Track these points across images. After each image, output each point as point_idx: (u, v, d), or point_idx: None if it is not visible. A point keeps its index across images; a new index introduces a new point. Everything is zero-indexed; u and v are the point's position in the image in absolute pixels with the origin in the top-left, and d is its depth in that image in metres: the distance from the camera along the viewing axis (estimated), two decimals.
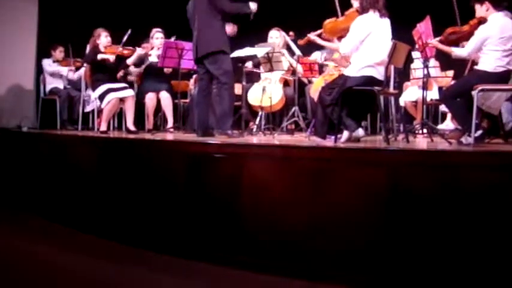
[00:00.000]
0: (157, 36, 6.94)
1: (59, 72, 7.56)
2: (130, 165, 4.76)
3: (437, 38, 5.00)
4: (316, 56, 6.91)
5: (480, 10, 4.61)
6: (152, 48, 6.89)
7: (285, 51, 6.76)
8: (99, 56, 6.32)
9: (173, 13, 8.02)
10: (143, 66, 6.88)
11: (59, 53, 7.63)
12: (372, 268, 3.50)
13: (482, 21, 4.55)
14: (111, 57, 6.35)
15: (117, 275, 3.82)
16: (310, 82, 6.91)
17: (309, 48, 6.41)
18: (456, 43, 4.84)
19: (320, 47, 6.45)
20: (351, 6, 5.05)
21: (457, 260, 3.29)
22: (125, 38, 6.41)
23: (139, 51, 6.65)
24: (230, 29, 5.38)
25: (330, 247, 3.63)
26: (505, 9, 4.49)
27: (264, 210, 3.88)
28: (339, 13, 5.21)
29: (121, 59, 6.56)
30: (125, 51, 6.51)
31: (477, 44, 4.46)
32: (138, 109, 6.67)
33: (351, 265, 3.57)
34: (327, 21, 5.20)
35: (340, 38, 5.46)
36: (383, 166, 3.54)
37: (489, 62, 4.41)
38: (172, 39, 6.56)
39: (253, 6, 5.32)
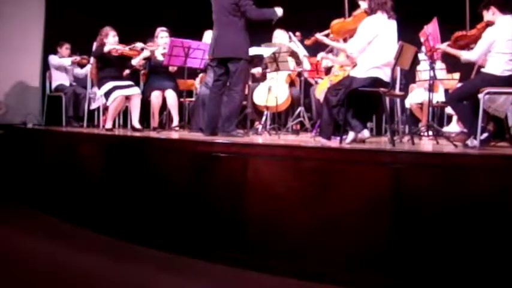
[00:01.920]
0: (162, 36, 6.95)
1: (63, 65, 7.56)
2: (135, 163, 4.77)
3: (446, 43, 4.99)
4: (318, 57, 6.90)
5: (487, 15, 4.62)
6: (158, 47, 6.89)
7: (292, 45, 6.75)
8: (106, 48, 6.31)
9: (179, 12, 8.06)
10: (147, 64, 6.93)
11: (65, 50, 7.63)
12: (377, 269, 3.50)
13: (490, 24, 4.55)
14: (119, 48, 6.34)
15: (118, 271, 3.83)
16: (317, 83, 6.91)
17: (317, 48, 6.40)
18: (465, 47, 4.83)
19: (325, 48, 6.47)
20: (358, 6, 5.05)
21: (462, 262, 3.28)
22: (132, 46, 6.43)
23: (145, 53, 6.66)
24: None
25: (334, 248, 3.63)
26: (510, 12, 4.48)
27: (269, 210, 3.88)
28: (347, 14, 5.21)
29: (126, 59, 6.57)
30: (131, 52, 6.51)
31: (485, 46, 4.46)
32: (143, 107, 6.67)
33: (355, 266, 3.56)
34: (335, 21, 5.21)
35: (345, 40, 5.47)
36: (388, 167, 3.53)
37: (496, 66, 4.40)
38: None
39: (279, 12, 5.26)
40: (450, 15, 5.25)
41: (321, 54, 6.56)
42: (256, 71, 6.88)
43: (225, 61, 5.26)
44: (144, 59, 6.76)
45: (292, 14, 6.70)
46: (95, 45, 6.64)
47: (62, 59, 7.57)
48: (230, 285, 3.65)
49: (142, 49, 6.58)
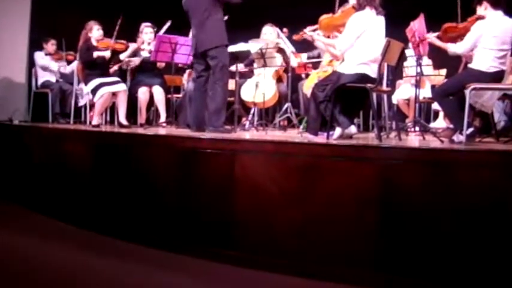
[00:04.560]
0: (146, 31, 6.90)
1: (49, 67, 7.52)
2: (122, 160, 4.75)
3: (435, 34, 5.00)
4: (303, 57, 6.93)
5: (480, 10, 4.61)
6: (142, 43, 6.85)
7: (280, 41, 6.76)
8: (95, 54, 6.29)
9: (165, 6, 8.00)
10: (138, 60, 6.87)
11: (50, 45, 7.58)
12: (366, 264, 3.51)
13: (481, 18, 4.55)
14: (107, 54, 6.33)
15: (107, 269, 3.81)
16: (307, 76, 6.91)
17: (305, 44, 6.39)
18: (453, 40, 4.84)
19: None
20: (346, 1, 5.05)
21: (450, 256, 3.30)
22: (118, 24, 6.38)
23: (133, 46, 6.63)
24: None
25: (321, 243, 3.64)
26: (504, 8, 4.49)
27: (256, 205, 3.88)
28: (337, 9, 5.21)
29: (113, 53, 6.53)
30: (117, 45, 6.48)
31: (473, 40, 4.46)
32: (130, 103, 6.65)
33: (342, 261, 3.57)
34: (323, 17, 5.21)
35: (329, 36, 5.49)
36: (375, 163, 3.54)
37: (483, 62, 4.41)
38: (167, 24, 6.49)
39: None
40: (439, 12, 5.27)
41: (304, 55, 6.60)
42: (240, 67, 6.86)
43: (205, 57, 5.28)
44: (132, 56, 6.74)
45: (281, 10, 6.73)
46: (80, 41, 6.59)
47: (48, 61, 7.53)
48: (218, 281, 3.65)
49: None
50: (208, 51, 5.24)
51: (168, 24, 6.43)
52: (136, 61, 6.80)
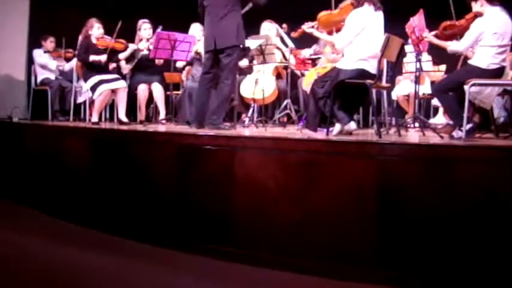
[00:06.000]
0: (144, 27, 6.88)
1: (48, 66, 7.52)
2: (121, 157, 4.75)
3: (433, 33, 4.99)
4: (306, 53, 6.93)
5: (475, 7, 4.59)
6: (141, 40, 6.84)
7: (278, 40, 6.75)
8: (91, 58, 6.29)
9: (165, 4, 7.99)
10: (134, 62, 6.83)
11: (49, 43, 7.58)
12: (364, 260, 3.52)
13: (478, 15, 4.54)
14: (103, 58, 6.31)
15: (107, 266, 3.81)
16: (303, 75, 6.92)
17: (304, 41, 6.39)
18: (452, 38, 4.83)
19: (314, 40, 6.47)
20: None
21: (449, 252, 3.30)
22: (117, 29, 6.37)
23: (132, 46, 6.63)
24: None
25: (321, 239, 3.64)
26: (500, 4, 4.48)
27: (255, 202, 3.88)
28: (333, 5, 5.21)
29: (113, 52, 6.52)
30: (117, 45, 6.47)
31: (473, 38, 4.44)
32: (130, 100, 6.65)
33: (342, 258, 3.58)
34: (322, 13, 5.21)
35: (330, 32, 5.48)
36: (374, 159, 3.54)
37: (483, 59, 4.39)
38: (159, 29, 6.48)
39: None
40: (436, 7, 5.26)
41: (304, 51, 6.59)
42: (244, 64, 6.86)
43: (217, 54, 5.23)
44: (132, 56, 6.74)
45: (280, 6, 6.71)
46: (80, 38, 6.59)
47: (47, 59, 7.52)
48: (217, 278, 3.65)
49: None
50: (226, 48, 5.17)
51: (119, 25, 6.37)
52: (127, 68, 6.80)
